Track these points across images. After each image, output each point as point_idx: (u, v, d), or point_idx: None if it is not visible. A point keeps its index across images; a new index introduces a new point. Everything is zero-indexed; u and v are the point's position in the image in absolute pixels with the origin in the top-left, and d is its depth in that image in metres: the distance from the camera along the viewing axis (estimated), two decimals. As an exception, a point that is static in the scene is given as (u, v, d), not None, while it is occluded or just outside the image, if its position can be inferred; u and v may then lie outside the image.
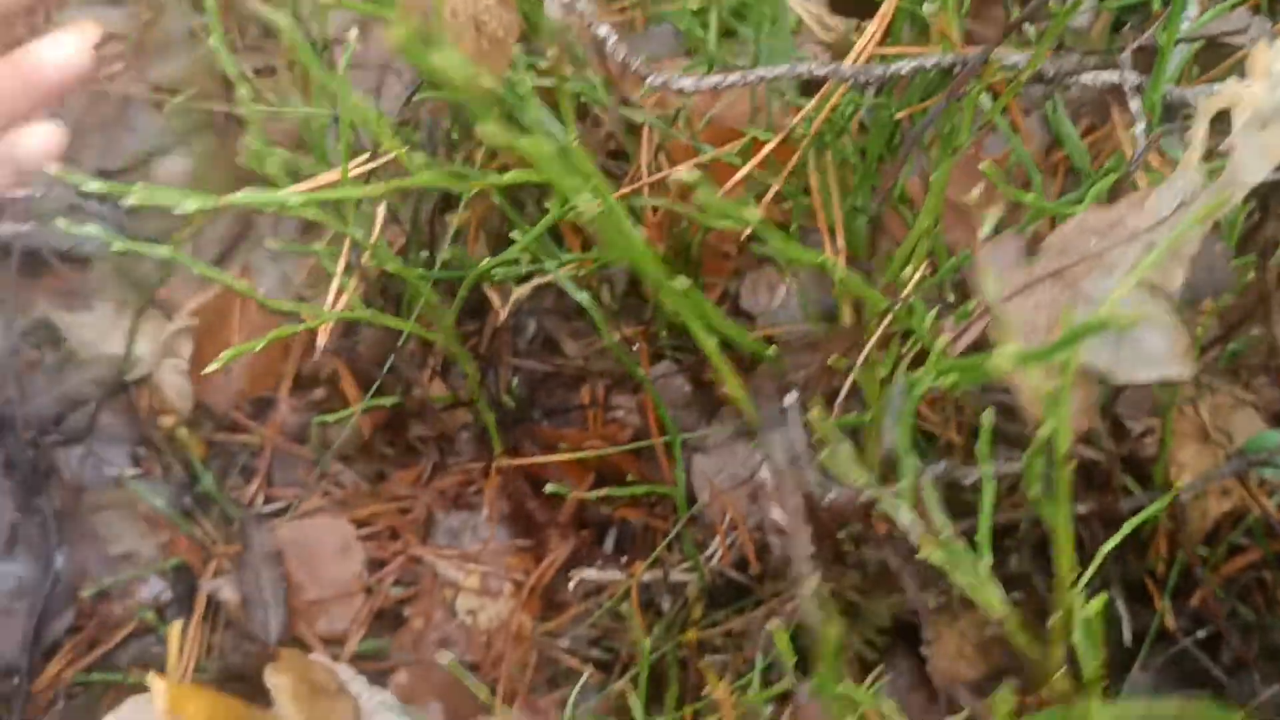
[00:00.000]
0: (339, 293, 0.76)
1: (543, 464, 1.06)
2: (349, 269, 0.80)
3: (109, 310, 1.22)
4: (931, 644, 0.85)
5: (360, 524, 1.08)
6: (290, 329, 0.75)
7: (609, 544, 1.08)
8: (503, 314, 0.94)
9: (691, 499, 1.03)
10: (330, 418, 0.99)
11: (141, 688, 1.01)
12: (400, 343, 0.99)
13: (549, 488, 0.97)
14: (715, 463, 1.03)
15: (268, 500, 1.10)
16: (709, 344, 0.65)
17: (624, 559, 1.06)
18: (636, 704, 0.88)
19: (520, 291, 0.94)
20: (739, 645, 0.96)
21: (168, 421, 1.09)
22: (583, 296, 0.92)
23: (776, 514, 0.91)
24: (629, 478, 1.01)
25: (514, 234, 0.85)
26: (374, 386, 1.04)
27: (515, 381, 1.03)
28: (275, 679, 0.94)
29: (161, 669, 1.01)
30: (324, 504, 1.10)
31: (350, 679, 1.00)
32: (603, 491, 0.99)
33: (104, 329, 1.21)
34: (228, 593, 1.03)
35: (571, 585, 1.01)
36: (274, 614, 1.02)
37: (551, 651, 1.04)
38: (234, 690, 0.95)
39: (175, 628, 0.99)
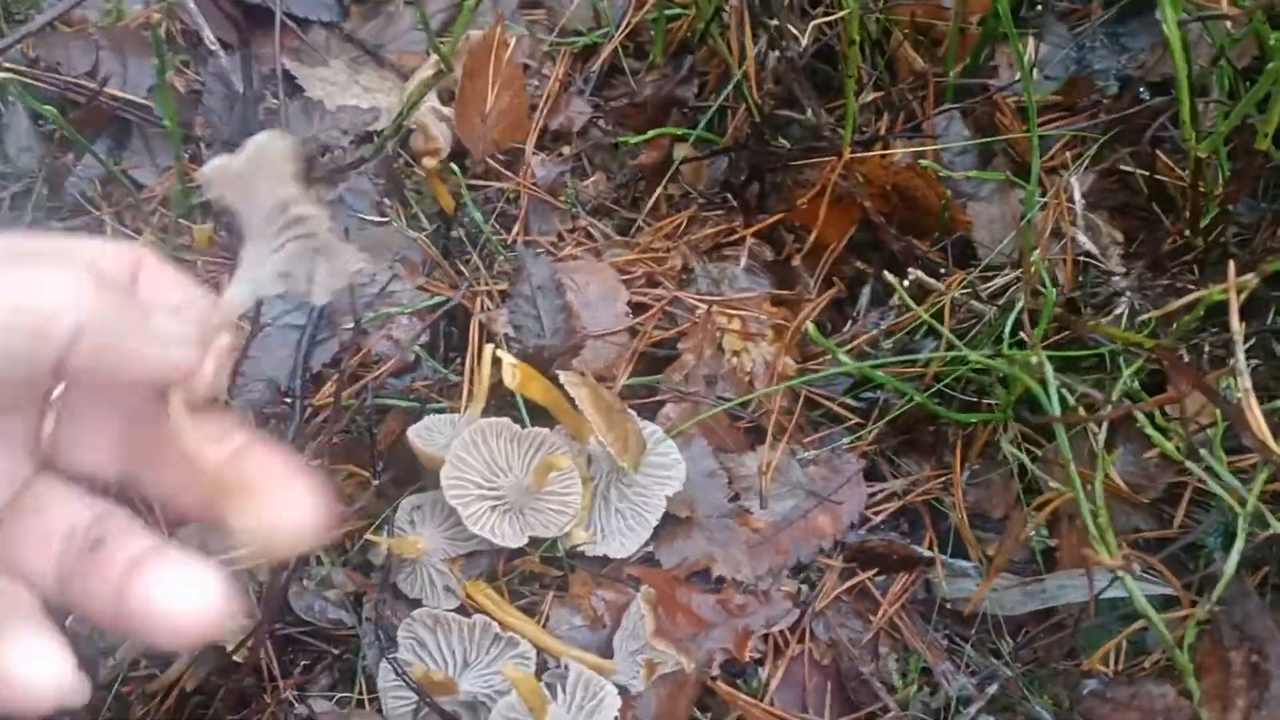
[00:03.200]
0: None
1: (806, 211, 1.09)
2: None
3: (343, 66, 1.22)
4: None
5: (618, 271, 1.10)
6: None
7: (863, 299, 1.10)
8: (804, 40, 0.95)
9: (968, 244, 1.06)
10: (634, 139, 1.01)
11: (425, 413, 1.03)
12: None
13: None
14: (993, 208, 1.06)
15: (525, 245, 1.11)
16: None
17: (880, 314, 1.09)
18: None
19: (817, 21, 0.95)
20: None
21: (430, 162, 1.10)
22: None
23: (1083, 238, 0.94)
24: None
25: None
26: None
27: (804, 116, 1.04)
28: (576, 390, 0.96)
29: (422, 401, 1.03)
30: (579, 253, 1.12)
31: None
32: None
33: (342, 83, 1.21)
34: (502, 325, 1.05)
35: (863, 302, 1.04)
36: (555, 339, 1.04)
37: (811, 394, 1.07)
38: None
39: (488, 351, 0.99)
